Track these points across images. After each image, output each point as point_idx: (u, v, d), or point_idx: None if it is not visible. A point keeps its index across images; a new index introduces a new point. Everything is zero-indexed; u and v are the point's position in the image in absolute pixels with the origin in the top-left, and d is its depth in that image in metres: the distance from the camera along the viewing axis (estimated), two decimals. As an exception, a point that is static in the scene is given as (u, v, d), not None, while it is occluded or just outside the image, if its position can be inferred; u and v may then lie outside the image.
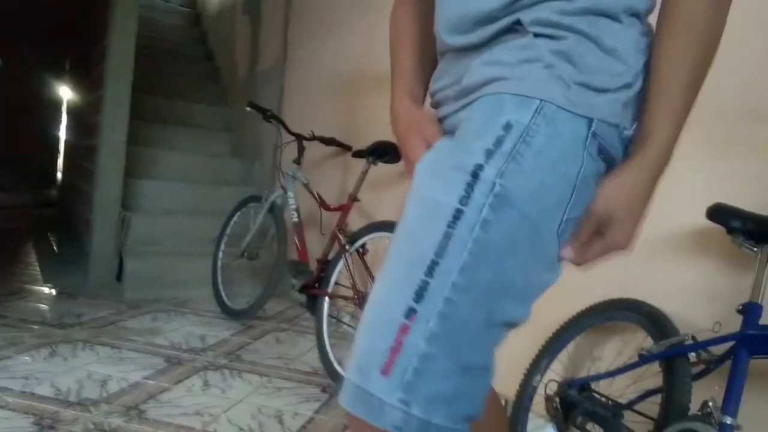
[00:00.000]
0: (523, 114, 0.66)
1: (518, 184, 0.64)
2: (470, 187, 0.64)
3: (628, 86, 0.69)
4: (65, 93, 7.06)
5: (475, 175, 0.65)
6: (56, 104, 7.73)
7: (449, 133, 0.78)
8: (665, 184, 1.56)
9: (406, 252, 0.67)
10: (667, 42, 0.68)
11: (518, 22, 0.69)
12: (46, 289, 3.24)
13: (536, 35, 0.68)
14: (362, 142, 2.59)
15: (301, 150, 2.92)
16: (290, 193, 2.89)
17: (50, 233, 5.23)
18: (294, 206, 2.87)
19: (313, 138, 2.93)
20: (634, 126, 0.71)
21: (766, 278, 1.26)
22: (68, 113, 6.70)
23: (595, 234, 0.70)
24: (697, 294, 1.53)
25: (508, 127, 0.66)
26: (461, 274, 0.63)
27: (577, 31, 0.67)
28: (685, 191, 1.56)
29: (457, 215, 0.64)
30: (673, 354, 1.30)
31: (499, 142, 0.66)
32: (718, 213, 1.36)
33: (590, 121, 0.67)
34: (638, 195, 0.68)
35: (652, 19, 0.73)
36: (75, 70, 6.08)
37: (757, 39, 1.47)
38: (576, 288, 1.84)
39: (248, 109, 2.94)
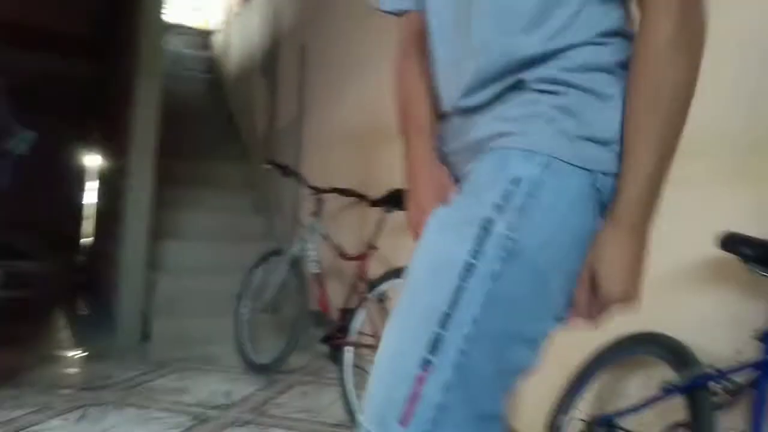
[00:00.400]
0: (530, 168, 0.69)
1: (528, 237, 0.67)
2: (481, 240, 0.67)
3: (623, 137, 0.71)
4: (92, 161, 7.34)
5: (485, 228, 0.67)
6: (83, 172, 8.03)
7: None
8: (678, 217, 1.58)
9: (419, 303, 0.69)
10: (634, 101, 0.69)
11: (521, 81, 0.73)
12: (75, 353, 3.30)
13: (539, 92, 0.72)
14: (378, 192, 2.65)
15: (319, 202, 3.00)
16: (310, 245, 2.94)
17: (78, 298, 5.34)
18: (314, 258, 2.92)
19: (331, 190, 3.00)
20: None
21: (783, 304, 1.25)
22: (95, 180, 6.95)
23: (593, 291, 0.72)
24: (717, 323, 1.52)
25: (516, 181, 0.69)
26: (474, 325, 0.65)
27: (577, 87, 0.71)
28: (698, 222, 1.57)
29: (469, 268, 0.66)
30: (696, 385, 1.29)
31: (508, 196, 0.68)
32: (730, 242, 1.37)
33: (593, 173, 0.70)
34: (616, 247, 0.69)
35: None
36: (102, 139, 6.34)
37: (762, 68, 1.51)
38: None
39: (267, 167, 3.04)
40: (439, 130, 0.87)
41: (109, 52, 5.41)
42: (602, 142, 0.70)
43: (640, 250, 0.71)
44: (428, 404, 0.64)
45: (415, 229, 0.85)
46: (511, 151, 0.70)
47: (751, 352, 1.32)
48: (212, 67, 6.95)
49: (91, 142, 7.20)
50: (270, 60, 4.84)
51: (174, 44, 6.78)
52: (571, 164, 0.69)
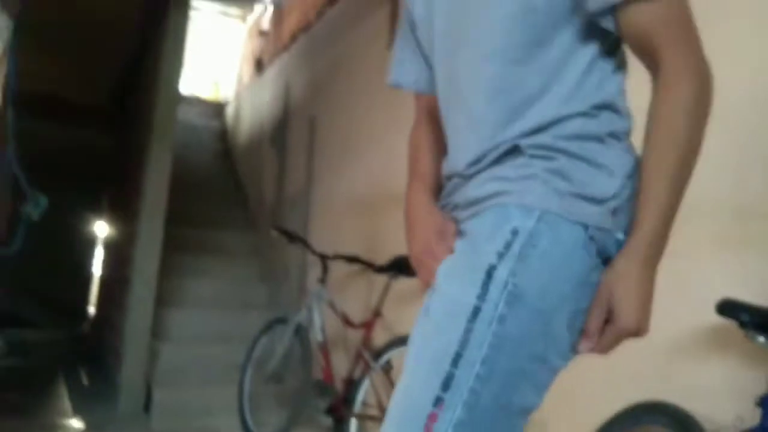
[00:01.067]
0: (527, 221, 0.76)
1: (528, 282, 0.73)
2: (486, 285, 0.73)
3: (615, 196, 0.78)
4: (101, 228, 7.42)
5: (489, 274, 0.73)
6: (91, 240, 8.10)
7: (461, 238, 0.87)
8: (676, 286, 1.59)
9: (432, 345, 0.74)
10: (651, 148, 0.77)
11: (517, 146, 0.80)
12: (75, 423, 3.23)
13: (532, 156, 0.79)
14: (384, 259, 2.67)
15: (325, 269, 3.01)
16: (315, 313, 2.93)
17: (80, 367, 5.27)
18: (319, 325, 2.90)
19: (337, 257, 3.02)
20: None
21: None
22: (104, 248, 7.00)
23: (606, 323, 0.76)
24: (718, 390, 1.51)
25: (515, 232, 0.75)
26: (483, 365, 0.70)
27: (568, 153, 0.78)
28: (696, 290, 1.58)
29: (476, 311, 0.72)
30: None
31: (508, 245, 0.75)
32: (727, 308, 1.39)
33: (586, 226, 0.76)
34: (631, 280, 0.75)
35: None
36: (111, 207, 6.44)
37: (750, 142, 1.56)
38: (602, 394, 1.81)
39: (274, 233, 3.08)
40: (444, 187, 0.94)
41: (125, 124, 5.59)
42: (593, 201, 0.77)
43: (651, 285, 0.76)
44: None
45: (417, 259, 0.91)
46: (510, 207, 0.78)
47: (755, 418, 1.30)
48: (223, 136, 7.14)
49: (101, 210, 7.31)
50: (280, 130, 4.99)
51: (187, 114, 7.01)
52: (564, 217, 0.76)
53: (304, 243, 3.07)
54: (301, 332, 2.95)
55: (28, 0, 2.44)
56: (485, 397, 0.70)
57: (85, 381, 4.58)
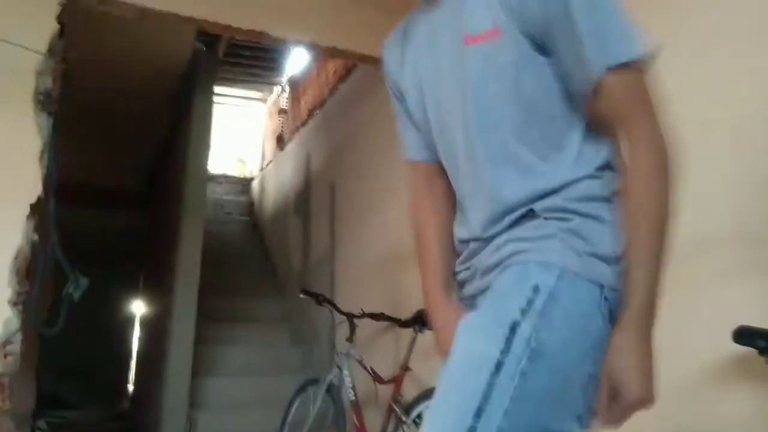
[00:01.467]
0: (548, 278, 0.79)
1: (550, 338, 0.76)
2: (509, 341, 0.75)
3: (621, 258, 0.82)
4: (138, 307, 7.63)
5: (513, 330, 0.76)
6: (129, 319, 8.29)
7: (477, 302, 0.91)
8: (694, 318, 1.62)
9: (455, 398, 0.77)
10: (626, 224, 0.82)
11: (531, 210, 0.86)
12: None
13: (548, 218, 0.84)
14: (408, 313, 2.74)
15: (352, 328, 3.07)
16: (345, 372, 2.98)
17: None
18: (350, 384, 2.94)
19: (363, 315, 3.09)
20: None
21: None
22: (141, 326, 7.18)
23: (613, 396, 0.79)
24: (746, 419, 1.50)
25: (536, 289, 0.79)
26: (504, 418, 0.73)
27: (581, 213, 0.84)
28: (717, 319, 1.59)
29: (499, 366, 0.74)
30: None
31: (530, 301, 0.78)
32: (743, 335, 1.40)
33: (602, 286, 0.81)
34: (629, 354, 0.78)
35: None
36: (147, 285, 6.65)
37: (747, 170, 1.63)
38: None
39: (301, 296, 3.18)
40: (461, 252, 0.99)
41: (158, 204, 5.87)
42: (607, 260, 0.81)
43: (650, 352, 0.79)
44: None
45: (443, 349, 0.95)
46: (530, 264, 0.81)
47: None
48: (250, 210, 7.40)
49: (138, 290, 7.52)
50: (303, 199, 5.19)
51: (215, 191, 7.30)
52: (581, 276, 0.80)
53: (331, 303, 3.16)
54: (333, 391, 2.99)
55: (65, 99, 2.69)
56: None
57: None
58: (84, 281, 2.65)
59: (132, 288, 7.86)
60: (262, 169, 7.34)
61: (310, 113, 5.38)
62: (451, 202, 1.04)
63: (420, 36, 1.00)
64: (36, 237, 2.45)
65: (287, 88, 6.47)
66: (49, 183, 2.52)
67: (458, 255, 1.01)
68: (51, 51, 2.50)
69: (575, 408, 0.78)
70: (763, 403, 1.48)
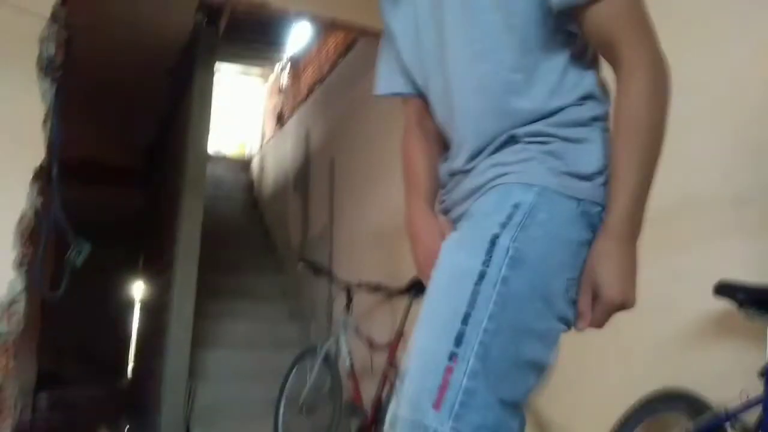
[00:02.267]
0: (527, 196, 0.85)
1: (529, 247, 0.82)
2: (490, 252, 0.81)
3: (601, 172, 0.88)
4: (138, 288, 7.67)
5: (493, 242, 0.81)
6: (129, 299, 8.35)
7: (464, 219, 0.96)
8: (682, 277, 1.66)
9: (443, 308, 0.82)
10: (617, 135, 0.86)
11: (513, 136, 0.91)
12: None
13: (528, 142, 0.90)
14: (404, 283, 2.79)
15: (349, 299, 3.13)
16: (342, 340, 3.04)
17: (120, 419, 5.40)
18: (346, 352, 3.00)
19: (361, 285, 3.15)
20: None
21: (781, 340, 1.31)
22: (141, 304, 7.23)
23: (594, 299, 0.84)
24: (728, 372, 1.56)
25: (516, 205, 0.84)
26: (490, 320, 0.78)
27: (560, 137, 0.89)
28: (701, 278, 1.63)
29: (482, 275, 0.80)
30: (708, 428, 1.32)
31: (510, 216, 0.83)
32: (724, 289, 1.46)
33: (579, 201, 0.86)
34: (610, 256, 0.83)
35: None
36: (148, 263, 6.70)
37: (733, 133, 1.67)
38: (618, 388, 1.87)
39: (300, 265, 3.23)
40: (445, 184, 1.04)
41: (159, 182, 5.90)
42: (585, 177, 0.87)
43: (631, 259, 0.84)
44: (456, 389, 0.76)
45: (423, 269, 1.02)
46: (512, 185, 0.87)
47: (758, 391, 1.36)
48: (250, 188, 7.44)
49: (138, 270, 7.57)
50: (302, 176, 5.22)
51: (215, 170, 7.33)
52: (559, 192, 0.85)
53: (329, 273, 3.21)
54: (330, 361, 3.05)
55: (67, 67, 2.71)
56: (494, 349, 0.77)
57: (125, 430, 4.71)
58: (86, 246, 2.69)
59: (132, 267, 7.91)
60: (261, 147, 7.36)
61: (310, 90, 5.40)
62: (440, 139, 1.08)
63: None
64: (40, 201, 2.49)
65: (288, 66, 6.47)
66: (53, 148, 2.55)
67: (443, 187, 1.06)
68: (54, 16, 2.52)
69: (557, 310, 0.83)
70: (742, 355, 1.53)
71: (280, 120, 6.46)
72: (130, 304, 8.36)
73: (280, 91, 6.69)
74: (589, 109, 0.91)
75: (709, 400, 1.47)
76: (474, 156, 0.95)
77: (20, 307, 2.33)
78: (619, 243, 0.84)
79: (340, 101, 4.62)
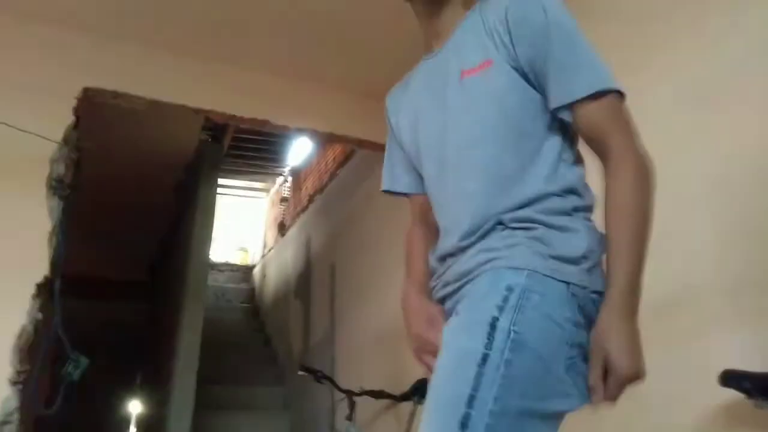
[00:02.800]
0: (519, 278, 0.89)
1: (528, 329, 0.85)
2: (491, 335, 0.83)
3: (586, 257, 0.93)
4: (135, 407, 7.40)
5: (493, 325, 0.84)
6: (126, 419, 8.03)
7: (450, 310, 0.99)
8: (693, 370, 1.62)
9: (447, 392, 0.84)
10: (611, 220, 0.93)
11: (501, 222, 0.97)
12: None
13: (515, 228, 0.96)
14: (407, 387, 2.72)
15: (351, 406, 3.03)
16: (346, 451, 2.91)
17: None
18: (350, 464, 2.86)
19: (363, 393, 3.06)
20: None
21: (791, 429, 1.27)
22: (138, 423, 6.95)
23: (605, 374, 0.86)
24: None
25: (509, 288, 0.88)
26: (495, 403, 0.79)
27: (545, 224, 0.95)
28: (714, 368, 1.61)
29: (485, 358, 0.82)
30: None
31: (506, 299, 0.86)
32: (730, 378, 1.43)
33: (568, 284, 0.90)
34: (617, 330, 0.86)
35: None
36: (147, 381, 6.53)
37: (726, 225, 1.71)
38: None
39: (300, 372, 3.16)
40: (435, 270, 1.09)
41: (160, 295, 5.91)
42: (571, 261, 0.92)
43: (635, 333, 0.87)
44: None
45: (418, 355, 1.07)
46: (501, 269, 0.91)
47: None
48: (251, 297, 7.42)
49: (136, 383, 7.36)
50: (303, 282, 5.24)
51: (217, 279, 7.35)
52: (549, 276, 0.89)
53: (330, 380, 3.14)
54: (334, 474, 2.90)
55: (76, 184, 2.83)
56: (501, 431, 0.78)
57: None
58: (84, 361, 2.66)
59: (131, 384, 7.69)
60: (263, 256, 7.43)
61: (311, 199, 5.55)
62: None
63: (419, 78, 1.16)
64: (40, 316, 2.49)
65: (289, 178, 6.70)
66: (57, 263, 2.60)
67: (434, 273, 1.10)
68: (66, 140, 2.67)
69: (561, 389, 0.85)
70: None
71: (282, 229, 6.59)
72: (126, 423, 8.02)
73: (282, 201, 6.88)
74: (572, 201, 0.98)
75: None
76: (465, 237, 0.99)
77: (12, 428, 2.26)
78: (623, 317, 0.87)
79: (339, 208, 4.74)
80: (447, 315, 1.01)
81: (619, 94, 0.97)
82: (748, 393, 1.39)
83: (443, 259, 1.06)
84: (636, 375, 0.85)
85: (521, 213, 0.95)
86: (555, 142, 1.00)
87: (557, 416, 0.86)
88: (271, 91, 3.21)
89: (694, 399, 1.65)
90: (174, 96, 2.93)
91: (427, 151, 1.10)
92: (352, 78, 3.24)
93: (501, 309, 0.85)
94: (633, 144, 0.95)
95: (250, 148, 5.88)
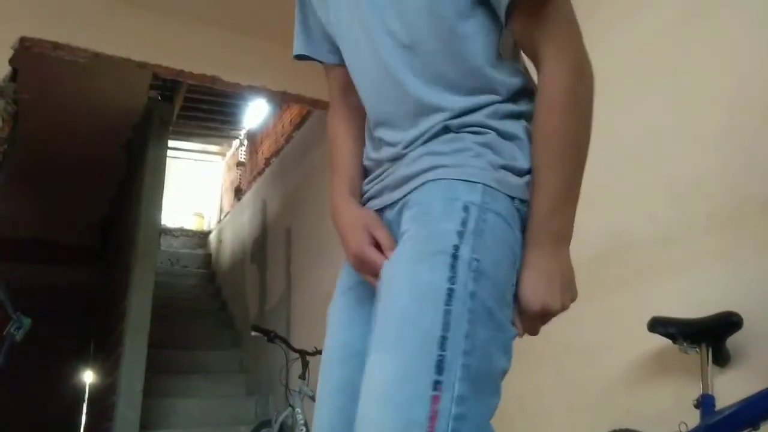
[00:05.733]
0: (474, 196, 0.80)
1: (486, 256, 0.78)
2: (453, 267, 0.76)
3: (529, 171, 0.84)
4: (88, 375, 7.28)
5: (455, 256, 0.77)
6: (79, 388, 7.91)
7: (392, 221, 0.91)
8: (627, 318, 1.68)
9: (413, 332, 0.76)
10: (537, 141, 0.84)
11: (446, 127, 0.86)
12: None
13: (461, 132, 0.85)
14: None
15: (305, 365, 3.06)
16: (298, 409, 2.94)
17: None
18: (302, 421, 2.90)
19: (316, 352, 3.08)
20: None
21: (711, 371, 1.35)
22: (90, 391, 6.87)
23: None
24: (671, 407, 1.57)
25: (466, 208, 0.79)
26: (467, 341, 0.74)
27: (495, 129, 0.85)
28: (636, 316, 1.68)
29: (450, 293, 0.75)
30: (652, 461, 1.32)
31: (464, 222, 0.78)
32: (657, 325, 1.50)
33: (512, 198, 0.83)
34: (528, 267, 0.82)
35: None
36: (98, 348, 6.43)
37: (657, 179, 1.77)
38: (568, 426, 1.86)
39: (253, 333, 3.16)
40: (371, 171, 0.99)
41: (110, 258, 5.78)
42: (517, 173, 0.84)
43: (554, 265, 0.83)
44: (446, 418, 0.72)
45: (357, 262, 0.94)
46: (454, 182, 0.82)
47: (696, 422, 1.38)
48: (208, 263, 7.34)
49: (89, 356, 7.24)
50: (259, 246, 5.21)
51: (173, 245, 7.24)
52: (499, 191, 0.82)
53: (283, 340, 3.15)
54: (287, 431, 2.94)
55: (15, 142, 2.71)
56: (475, 369, 0.74)
57: None
58: (27, 321, 2.59)
59: (84, 353, 7.56)
60: (220, 221, 7.34)
61: (267, 163, 5.48)
62: (365, 115, 1.02)
63: None
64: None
65: (245, 142, 6.59)
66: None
67: (367, 174, 1.00)
68: (1, 92, 2.55)
69: (510, 317, 0.82)
70: (680, 390, 1.56)
71: (238, 194, 6.50)
72: (80, 393, 7.91)
73: (238, 165, 6.76)
74: (522, 105, 0.88)
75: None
76: (407, 145, 0.90)
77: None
78: (540, 250, 0.83)
79: (295, 172, 4.70)
80: (387, 226, 0.92)
81: None
82: (674, 338, 1.46)
83: (380, 162, 0.96)
84: (544, 311, 0.82)
85: (467, 119, 0.85)
86: (498, 42, 0.88)
87: (511, 343, 0.82)
88: (220, 47, 3.12)
89: (626, 346, 1.72)
90: (118, 49, 2.82)
91: (348, 40, 0.97)
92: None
93: (461, 235, 0.78)
94: (570, 54, 0.83)
95: (204, 110, 5.74)
